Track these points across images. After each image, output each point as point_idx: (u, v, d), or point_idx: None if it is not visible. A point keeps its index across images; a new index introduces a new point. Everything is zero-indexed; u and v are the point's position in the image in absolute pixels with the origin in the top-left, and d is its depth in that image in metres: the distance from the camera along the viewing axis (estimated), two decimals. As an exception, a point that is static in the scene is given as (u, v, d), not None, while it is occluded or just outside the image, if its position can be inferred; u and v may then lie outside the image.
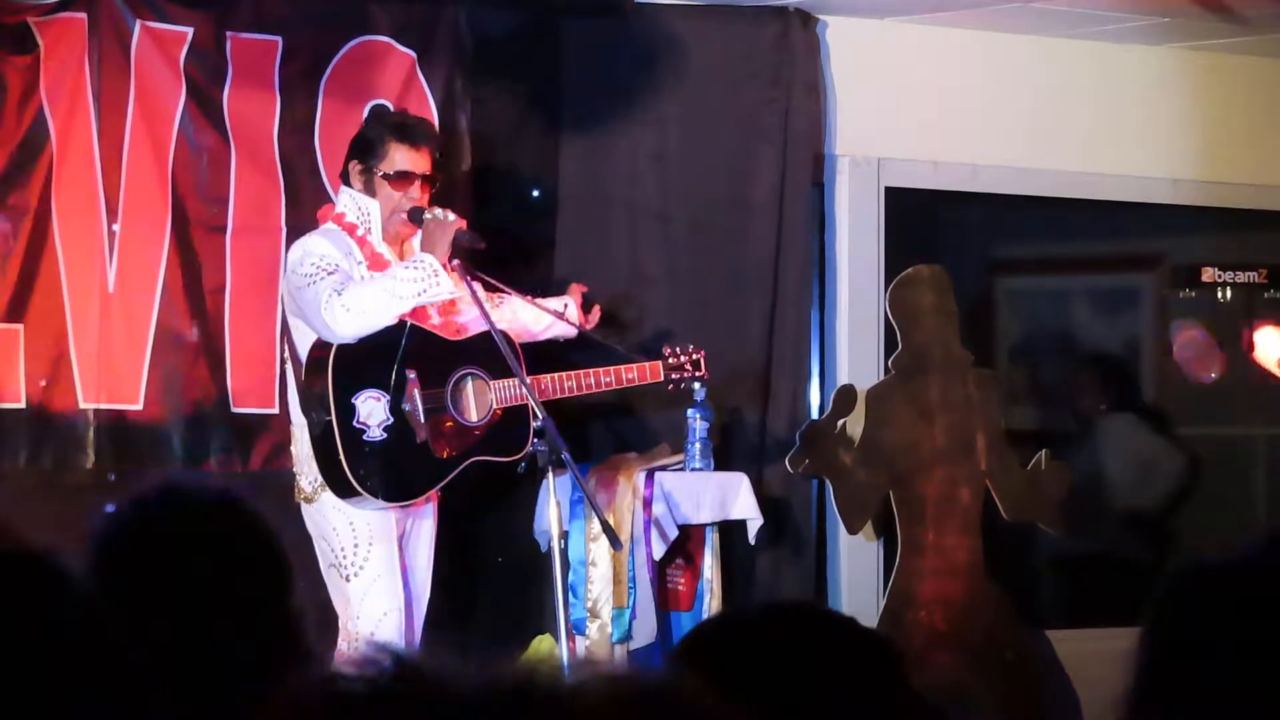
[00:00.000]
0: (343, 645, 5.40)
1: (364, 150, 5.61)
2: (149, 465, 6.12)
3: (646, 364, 5.97)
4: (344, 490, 5.41)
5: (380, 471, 5.43)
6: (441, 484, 5.58)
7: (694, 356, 6.07)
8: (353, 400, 5.40)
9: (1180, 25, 7.32)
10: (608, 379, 5.85)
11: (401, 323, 5.44)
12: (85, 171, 6.07)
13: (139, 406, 6.11)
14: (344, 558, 5.47)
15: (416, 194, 5.58)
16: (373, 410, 5.42)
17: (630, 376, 5.92)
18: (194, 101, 6.19)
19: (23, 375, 5.99)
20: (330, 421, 5.38)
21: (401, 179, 5.57)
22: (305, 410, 5.49)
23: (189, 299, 6.18)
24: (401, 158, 5.57)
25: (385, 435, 5.42)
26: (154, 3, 6.16)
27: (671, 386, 6.08)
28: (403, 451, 5.45)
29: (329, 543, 5.50)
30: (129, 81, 6.11)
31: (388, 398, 5.44)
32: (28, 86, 6.02)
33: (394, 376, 5.45)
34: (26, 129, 6.01)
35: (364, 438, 5.40)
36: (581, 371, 5.84)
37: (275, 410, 6.16)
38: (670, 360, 6.03)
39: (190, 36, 6.20)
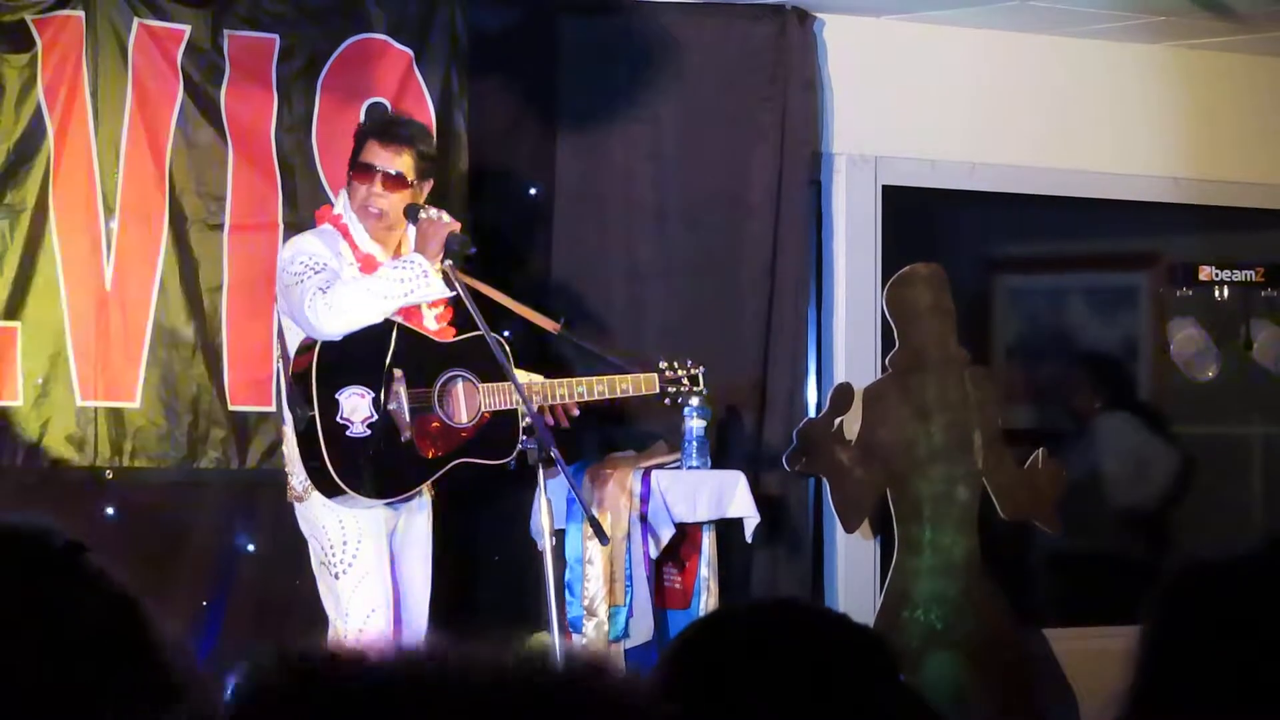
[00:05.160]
0: (331, 644, 5.38)
1: (352, 150, 5.62)
2: (146, 463, 6.13)
3: (642, 376, 5.91)
4: (328, 487, 5.40)
5: (362, 467, 5.41)
6: (425, 483, 5.57)
7: (692, 371, 5.97)
8: (336, 396, 5.39)
9: (1178, 24, 7.32)
10: (601, 388, 5.78)
11: (390, 323, 5.43)
12: (83, 169, 6.07)
13: (136, 404, 6.12)
14: (333, 555, 5.46)
15: (379, 190, 5.50)
16: (356, 406, 5.41)
17: (625, 388, 5.85)
18: (191, 99, 6.20)
19: (20, 373, 5.99)
20: (313, 417, 5.37)
21: (363, 171, 5.52)
22: (290, 406, 5.49)
23: (186, 297, 6.18)
24: (371, 153, 5.53)
25: (369, 432, 5.41)
26: (151, 0, 6.16)
27: (667, 400, 6.00)
28: (386, 449, 5.44)
29: (319, 541, 5.50)
30: (126, 79, 6.11)
31: (372, 395, 5.43)
32: (25, 84, 6.02)
33: (380, 375, 5.44)
34: (24, 127, 6.02)
35: (347, 434, 5.39)
36: (575, 379, 5.81)
37: (272, 408, 6.17)
38: (667, 374, 5.95)
39: (188, 34, 6.20)
